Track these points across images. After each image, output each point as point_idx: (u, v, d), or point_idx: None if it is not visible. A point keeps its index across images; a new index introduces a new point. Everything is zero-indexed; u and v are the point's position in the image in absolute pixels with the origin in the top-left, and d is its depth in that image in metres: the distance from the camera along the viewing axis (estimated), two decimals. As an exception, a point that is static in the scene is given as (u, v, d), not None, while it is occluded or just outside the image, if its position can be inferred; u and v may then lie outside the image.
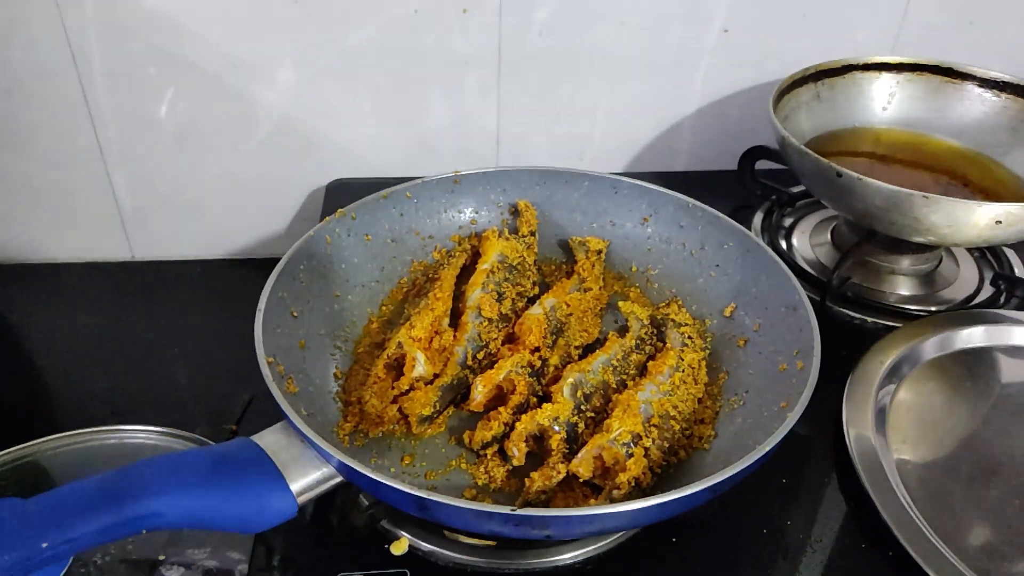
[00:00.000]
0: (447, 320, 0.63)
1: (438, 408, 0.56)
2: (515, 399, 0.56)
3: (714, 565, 0.53)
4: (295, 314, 0.59)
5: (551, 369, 0.60)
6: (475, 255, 0.70)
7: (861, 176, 0.66)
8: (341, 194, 0.66)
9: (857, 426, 0.61)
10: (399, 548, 0.53)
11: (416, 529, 0.53)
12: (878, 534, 0.54)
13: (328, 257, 0.64)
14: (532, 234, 0.71)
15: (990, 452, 0.62)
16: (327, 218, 0.64)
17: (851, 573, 0.53)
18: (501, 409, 0.55)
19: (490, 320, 0.61)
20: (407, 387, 0.57)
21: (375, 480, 0.43)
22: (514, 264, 0.66)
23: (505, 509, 0.42)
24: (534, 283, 0.68)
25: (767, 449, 0.47)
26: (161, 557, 0.60)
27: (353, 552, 0.53)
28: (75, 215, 0.90)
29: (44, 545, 0.36)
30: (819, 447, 0.62)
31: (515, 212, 0.72)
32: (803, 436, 0.62)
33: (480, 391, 0.56)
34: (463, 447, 0.56)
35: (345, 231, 0.65)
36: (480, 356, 0.60)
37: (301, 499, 0.45)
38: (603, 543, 0.53)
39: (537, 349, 0.60)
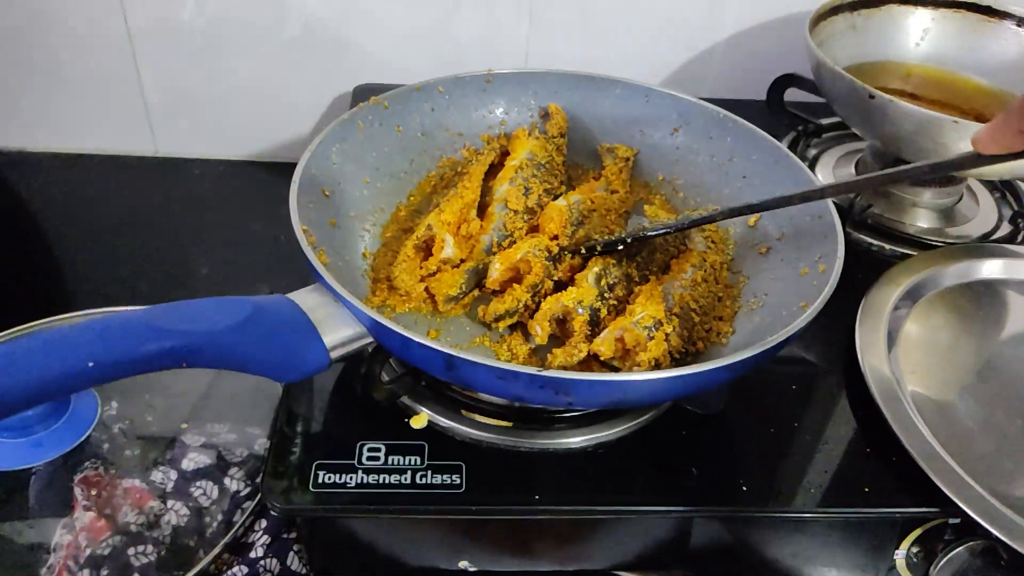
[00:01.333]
0: (475, 211, 0.64)
1: (464, 289, 0.58)
2: (530, 279, 0.57)
3: (719, 457, 0.55)
4: (327, 193, 0.59)
5: (568, 257, 0.61)
6: (503, 155, 0.70)
7: (893, 99, 0.66)
8: (367, 98, 0.67)
9: (868, 344, 0.62)
10: (419, 422, 0.54)
11: (435, 405, 0.55)
12: (883, 441, 0.55)
13: (360, 143, 0.64)
14: (561, 136, 0.71)
15: (997, 376, 0.63)
16: (360, 104, 0.65)
17: (854, 473, 0.55)
18: (515, 286, 0.57)
19: (516, 212, 0.62)
20: (435, 268, 0.59)
21: (406, 338, 0.44)
22: (542, 162, 0.67)
23: (531, 370, 0.43)
24: (561, 182, 0.68)
25: (788, 335, 0.48)
26: (184, 426, 0.62)
27: (374, 425, 0.54)
28: (102, 107, 0.90)
29: (90, 364, 0.37)
30: (831, 366, 0.63)
31: (545, 115, 0.72)
32: (815, 349, 0.64)
33: (497, 268, 0.58)
34: (488, 327, 0.58)
35: (378, 120, 0.66)
36: (505, 244, 0.61)
37: (334, 354, 0.47)
38: (613, 431, 0.55)
39: (556, 237, 0.61)
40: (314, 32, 0.85)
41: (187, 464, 0.60)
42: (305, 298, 0.48)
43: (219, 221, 0.85)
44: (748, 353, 0.46)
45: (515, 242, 0.62)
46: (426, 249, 0.60)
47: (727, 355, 0.46)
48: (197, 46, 0.85)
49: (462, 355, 0.43)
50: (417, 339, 0.44)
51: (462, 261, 0.60)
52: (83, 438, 0.60)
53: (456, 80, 0.70)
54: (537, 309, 0.56)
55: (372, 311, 0.45)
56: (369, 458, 0.52)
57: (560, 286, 0.59)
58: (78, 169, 0.91)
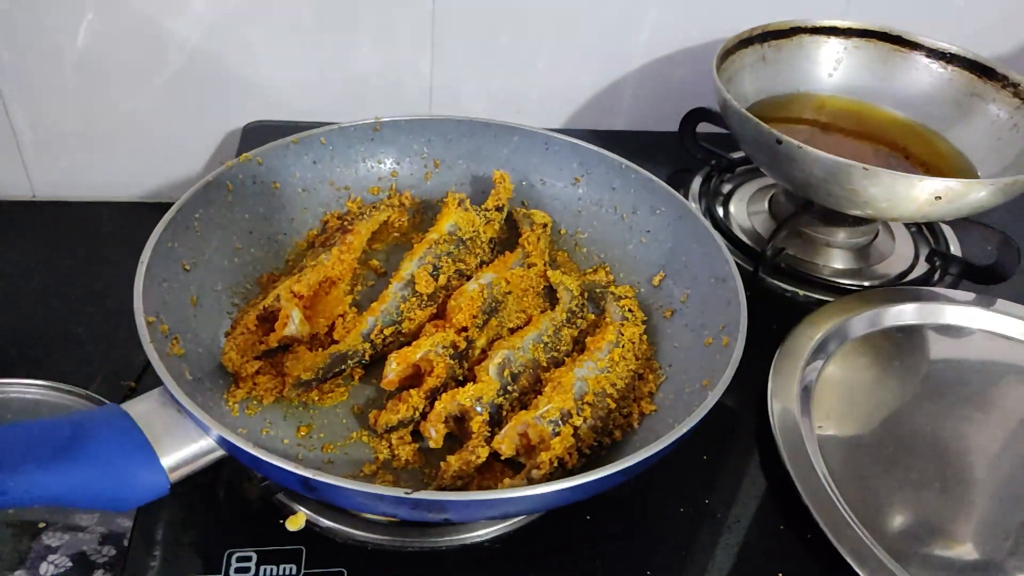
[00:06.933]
0: (345, 284, 0.58)
1: (320, 376, 0.51)
2: (431, 382, 0.51)
3: (628, 544, 0.51)
4: (187, 267, 0.54)
5: (476, 352, 0.55)
6: (400, 214, 0.66)
7: (801, 144, 0.63)
8: (259, 137, 0.61)
9: (782, 401, 0.59)
10: (295, 524, 0.49)
11: (314, 503, 0.50)
12: (797, 515, 0.53)
13: (229, 206, 0.58)
14: (498, 209, 0.65)
15: (914, 432, 0.61)
16: (228, 163, 0.59)
17: (769, 555, 0.52)
18: (413, 392, 0.51)
19: (419, 296, 0.56)
20: (274, 345, 0.53)
21: (256, 456, 0.39)
22: (464, 238, 0.61)
23: (399, 492, 0.38)
24: (482, 261, 0.63)
25: (684, 431, 0.44)
26: (41, 525, 0.56)
27: (246, 527, 0.49)
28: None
29: None
30: (743, 421, 0.60)
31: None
32: (728, 408, 0.61)
33: (393, 369, 0.51)
34: (367, 424, 0.52)
35: (250, 178, 0.60)
36: (387, 332, 0.54)
37: (174, 476, 0.41)
38: (514, 521, 0.51)
39: (465, 329, 0.55)
40: (198, 67, 0.80)
41: (46, 568, 0.54)
42: (143, 407, 0.42)
43: (102, 269, 0.78)
44: (634, 460, 0.42)
45: (401, 331, 0.55)
46: (271, 321, 0.53)
47: (632, 444, 0.43)
48: (71, 80, 0.79)
49: (321, 478, 0.38)
50: (268, 459, 0.39)
51: (314, 338, 0.54)
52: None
53: (340, 130, 0.65)
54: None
55: (219, 425, 0.40)
56: (238, 569, 0.47)
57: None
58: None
